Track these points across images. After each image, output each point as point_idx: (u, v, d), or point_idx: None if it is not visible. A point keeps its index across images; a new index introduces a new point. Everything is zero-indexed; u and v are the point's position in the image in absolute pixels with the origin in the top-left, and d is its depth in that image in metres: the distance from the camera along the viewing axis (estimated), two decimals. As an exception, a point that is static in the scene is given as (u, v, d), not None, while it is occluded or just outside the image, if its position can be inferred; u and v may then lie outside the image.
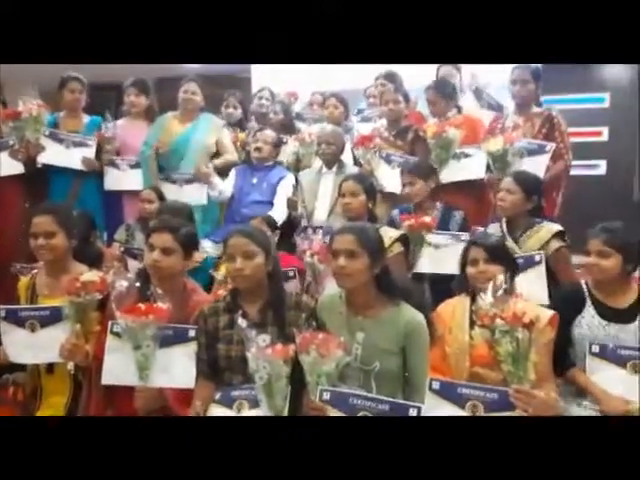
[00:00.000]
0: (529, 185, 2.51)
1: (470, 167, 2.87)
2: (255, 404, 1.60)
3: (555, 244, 2.42)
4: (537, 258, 2.31)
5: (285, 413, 1.55)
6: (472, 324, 1.95)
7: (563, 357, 1.97)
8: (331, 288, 1.93)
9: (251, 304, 1.82)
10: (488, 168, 2.83)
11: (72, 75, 3.24)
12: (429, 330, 1.78)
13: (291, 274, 2.40)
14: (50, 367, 1.97)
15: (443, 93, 3.10)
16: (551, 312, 1.87)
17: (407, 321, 1.72)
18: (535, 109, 3.04)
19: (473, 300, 1.99)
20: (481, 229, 2.58)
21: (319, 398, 1.55)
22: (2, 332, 1.90)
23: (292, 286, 2.37)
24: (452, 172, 2.87)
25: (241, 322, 1.57)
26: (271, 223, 2.71)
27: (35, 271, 2.11)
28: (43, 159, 3.02)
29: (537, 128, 2.97)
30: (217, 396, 1.71)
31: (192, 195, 3.02)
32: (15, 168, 2.97)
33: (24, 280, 2.11)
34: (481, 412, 1.58)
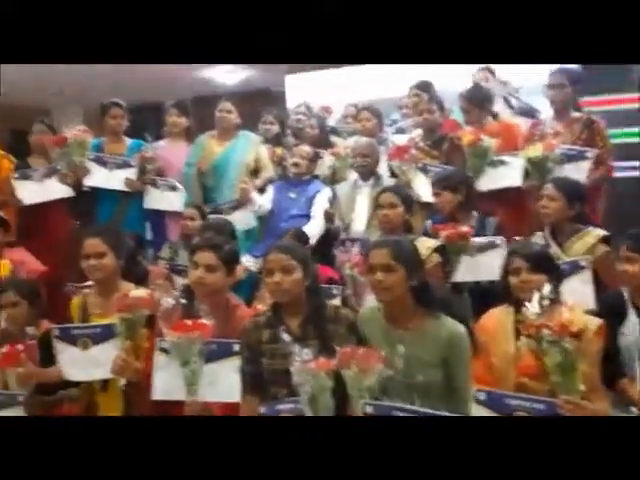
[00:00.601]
0: (571, 191, 2.47)
1: (507, 175, 2.84)
2: (300, 418, 1.63)
3: (601, 249, 2.37)
4: (583, 263, 2.27)
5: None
6: (517, 334, 1.93)
7: (612, 367, 1.92)
8: (371, 300, 1.94)
9: (292, 318, 1.85)
10: (527, 175, 2.80)
11: (112, 101, 3.37)
12: (470, 341, 1.77)
13: (335, 292, 2.40)
14: (104, 384, 2.04)
15: (476, 101, 3.08)
16: (599, 321, 1.83)
17: (448, 332, 1.72)
18: (574, 114, 2.99)
19: (517, 310, 1.97)
20: (519, 239, 2.55)
21: (362, 412, 1.56)
22: (56, 351, 1.97)
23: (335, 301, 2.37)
24: (489, 180, 2.85)
25: (285, 337, 1.61)
26: (300, 237, 2.73)
27: (87, 290, 2.21)
28: (88, 182, 3.14)
29: (577, 134, 2.92)
30: (262, 409, 1.75)
31: (240, 221, 3.06)
32: (65, 192, 3.11)
33: (76, 299, 2.20)
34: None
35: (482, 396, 1.63)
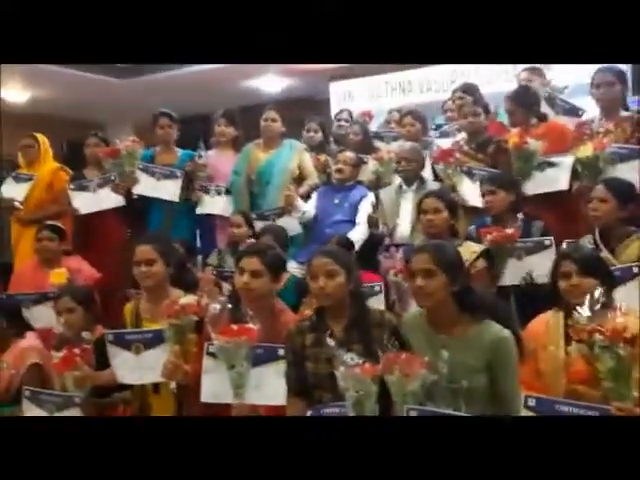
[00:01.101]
0: (623, 192, 2.39)
1: (554, 178, 2.77)
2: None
3: None
4: (636, 270, 2.18)
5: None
6: (568, 340, 1.89)
7: None
8: (415, 306, 1.94)
9: (336, 322, 1.87)
10: (578, 176, 2.72)
11: (162, 111, 3.47)
12: (517, 346, 1.74)
13: (377, 288, 2.41)
14: (156, 387, 2.11)
15: (521, 102, 3.02)
16: None
17: (493, 338, 1.69)
18: (623, 113, 2.89)
19: (567, 315, 1.93)
20: (568, 241, 2.48)
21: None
22: (110, 355, 2.05)
23: (378, 300, 2.38)
24: (535, 184, 2.78)
25: (329, 341, 1.63)
26: (344, 244, 2.73)
27: (139, 297, 2.29)
28: (137, 190, 3.24)
29: (629, 133, 2.81)
30: (308, 413, 1.77)
31: (285, 228, 3.07)
32: (117, 201, 3.22)
33: (129, 305, 2.29)
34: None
35: (532, 402, 1.59)
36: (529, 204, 2.75)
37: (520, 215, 2.65)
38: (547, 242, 2.41)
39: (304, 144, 3.59)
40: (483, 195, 2.67)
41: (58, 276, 2.75)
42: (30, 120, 6.00)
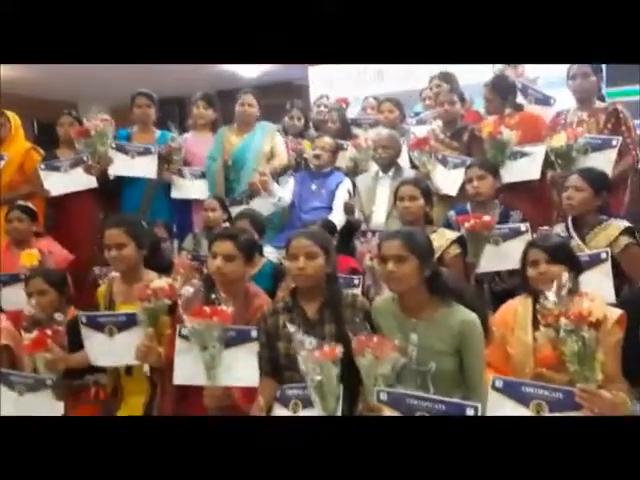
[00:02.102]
0: (597, 181, 2.43)
1: (526, 168, 2.81)
2: (309, 404, 1.67)
3: (624, 241, 2.34)
4: (603, 255, 2.24)
5: (338, 413, 1.61)
6: (536, 325, 1.94)
7: (635, 362, 1.90)
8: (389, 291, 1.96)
9: (310, 303, 1.89)
10: (552, 166, 2.77)
11: (140, 91, 3.41)
12: (485, 330, 1.78)
13: (356, 282, 2.42)
14: (129, 369, 2.11)
15: (500, 90, 3.06)
16: (619, 311, 1.82)
17: (460, 321, 1.73)
18: (598, 104, 2.94)
19: (536, 301, 1.97)
20: (545, 228, 2.52)
21: (376, 399, 1.59)
22: (84, 337, 2.04)
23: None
24: (509, 173, 2.82)
25: (290, 326, 1.64)
26: (329, 228, 2.76)
27: (112, 275, 2.26)
28: (112, 171, 3.18)
29: (602, 123, 2.87)
30: (278, 394, 1.79)
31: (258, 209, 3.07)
32: (90, 182, 3.16)
33: (102, 288, 2.27)
34: (545, 412, 1.58)
35: (499, 383, 1.64)
36: (506, 193, 2.78)
37: (498, 202, 2.69)
38: (523, 228, 2.44)
39: (277, 125, 3.55)
40: (471, 180, 2.66)
41: (29, 257, 2.70)
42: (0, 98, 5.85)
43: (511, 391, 1.62)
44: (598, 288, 2.06)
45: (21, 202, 3.10)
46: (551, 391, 1.58)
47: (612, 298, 2.13)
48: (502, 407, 1.61)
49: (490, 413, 1.59)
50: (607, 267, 2.23)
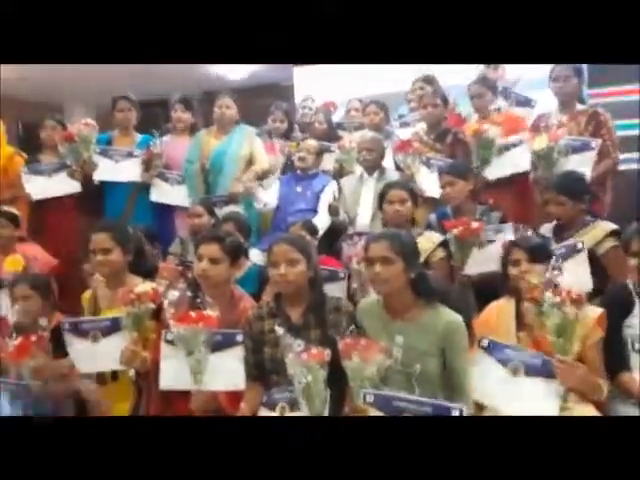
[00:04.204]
0: (575, 190, 2.44)
1: (515, 160, 2.81)
2: (296, 407, 1.67)
3: (609, 243, 2.37)
4: (579, 246, 2.27)
5: (325, 415, 1.61)
6: (519, 326, 1.97)
7: (615, 360, 1.93)
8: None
9: (294, 308, 1.90)
10: (533, 167, 2.80)
11: (121, 95, 3.39)
12: (470, 332, 1.80)
13: (342, 275, 2.43)
14: (114, 374, 2.10)
15: (489, 86, 3.09)
16: (599, 310, 1.87)
17: (445, 323, 1.75)
18: (579, 106, 2.99)
19: (518, 301, 2.00)
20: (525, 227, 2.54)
21: (363, 401, 1.60)
22: (68, 343, 2.03)
23: (341, 287, 2.41)
24: (496, 169, 2.82)
25: (278, 329, 1.65)
26: (310, 228, 2.76)
27: (97, 280, 2.25)
28: (97, 176, 3.17)
29: (583, 126, 2.92)
30: (264, 398, 1.80)
31: None
32: (73, 187, 3.14)
33: (87, 293, 2.27)
34: (521, 374, 1.76)
35: (485, 343, 1.82)
36: (489, 193, 2.80)
37: (478, 205, 2.69)
38: (505, 228, 2.44)
39: (257, 129, 3.55)
40: (443, 187, 2.68)
41: (13, 263, 2.69)
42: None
43: (495, 351, 1.80)
44: (575, 278, 2.11)
45: (4, 207, 3.07)
46: (531, 357, 1.76)
47: (589, 286, 2.17)
48: (483, 364, 1.80)
49: (475, 371, 1.78)
50: (583, 257, 2.26)
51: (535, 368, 1.75)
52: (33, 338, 2.01)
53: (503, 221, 2.62)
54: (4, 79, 5.97)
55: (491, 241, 2.46)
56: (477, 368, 1.81)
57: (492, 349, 1.81)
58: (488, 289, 2.38)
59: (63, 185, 3.14)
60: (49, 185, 3.14)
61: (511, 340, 1.93)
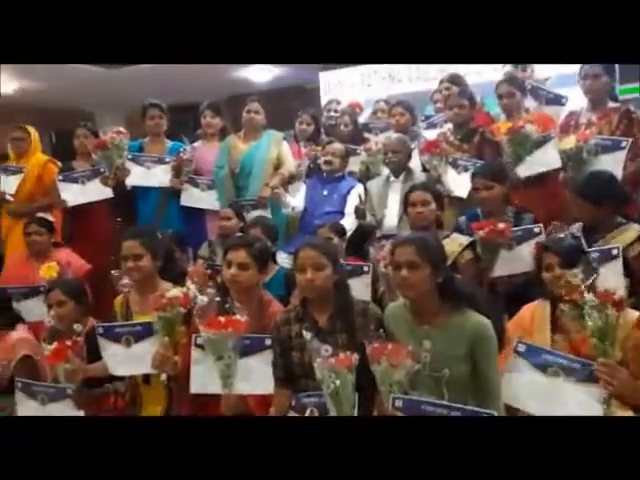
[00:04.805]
0: (598, 194, 2.35)
1: (545, 158, 2.75)
2: (325, 411, 1.68)
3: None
4: (614, 252, 2.21)
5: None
6: (554, 329, 1.95)
7: None
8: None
9: (321, 312, 1.91)
10: (563, 167, 2.74)
11: (152, 102, 3.45)
12: (500, 335, 1.78)
13: (365, 269, 2.41)
14: (146, 378, 2.14)
15: (517, 85, 3.05)
16: (637, 313, 1.83)
17: (473, 327, 1.73)
18: (611, 104, 2.92)
19: (553, 304, 1.98)
20: (555, 223, 2.49)
21: (391, 406, 1.60)
22: (102, 347, 2.08)
23: (364, 281, 2.39)
24: (528, 167, 2.76)
25: (306, 334, 1.66)
26: (338, 230, 2.77)
27: (126, 289, 2.31)
28: (129, 182, 3.25)
29: (615, 124, 2.84)
30: (293, 402, 1.81)
31: None
32: (105, 193, 3.22)
33: (119, 298, 2.31)
34: (560, 379, 1.72)
35: (522, 348, 1.78)
36: (519, 194, 2.74)
37: (510, 207, 2.63)
38: (537, 230, 2.40)
39: (283, 133, 3.57)
40: (477, 189, 2.61)
41: (49, 270, 2.76)
42: (18, 111, 5.97)
43: (531, 356, 1.76)
44: (609, 283, 2.04)
45: (40, 214, 3.18)
46: (570, 361, 1.69)
47: (623, 292, 2.10)
48: (521, 370, 1.76)
49: (507, 375, 1.75)
50: (618, 263, 2.19)
51: (574, 372, 1.70)
52: (68, 343, 2.06)
53: (535, 222, 2.58)
54: (35, 90, 6.17)
55: (521, 242, 2.42)
56: (511, 373, 1.78)
57: (528, 353, 1.77)
58: (518, 292, 2.37)
59: (96, 191, 3.22)
60: (83, 192, 3.22)
61: (546, 343, 1.90)
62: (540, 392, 1.75)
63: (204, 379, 1.88)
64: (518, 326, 2.02)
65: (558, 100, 3.20)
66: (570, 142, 2.65)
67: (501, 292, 2.49)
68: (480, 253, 2.43)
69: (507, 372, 1.78)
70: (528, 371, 1.76)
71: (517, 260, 2.41)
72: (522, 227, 2.48)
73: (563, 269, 1.94)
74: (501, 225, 2.40)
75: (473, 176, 2.67)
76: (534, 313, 2.02)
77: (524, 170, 2.77)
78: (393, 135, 3.20)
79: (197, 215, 3.44)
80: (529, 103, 3.13)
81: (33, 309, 2.73)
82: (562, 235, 2.21)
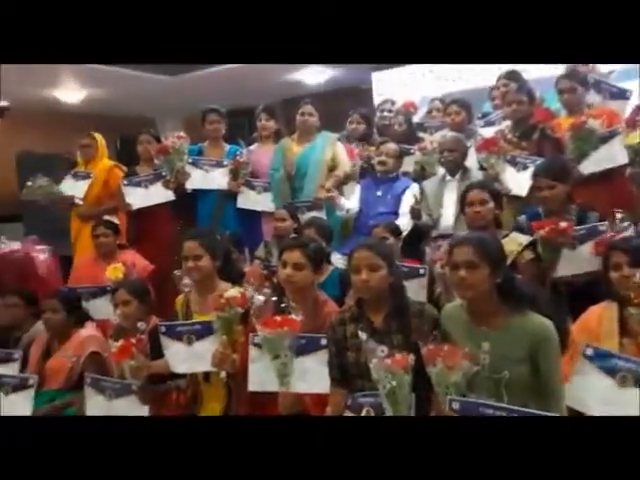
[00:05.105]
0: None
1: (610, 154, 2.66)
2: (381, 411, 1.68)
3: None
4: None
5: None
6: (623, 331, 1.88)
7: None
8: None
9: (376, 313, 1.90)
10: (630, 162, 2.63)
11: (211, 107, 3.55)
12: (564, 338, 1.73)
13: (422, 271, 2.41)
14: (207, 375, 2.20)
15: (579, 80, 2.94)
16: None
17: (535, 328, 1.68)
18: None
19: (621, 306, 1.90)
20: (620, 216, 2.39)
21: (448, 407, 1.58)
22: (164, 345, 2.15)
23: (420, 284, 2.39)
24: (592, 163, 2.67)
25: (361, 334, 1.66)
26: (393, 230, 2.75)
27: (187, 289, 2.38)
28: (190, 185, 3.36)
29: (684, 117, 2.70)
30: (349, 401, 1.82)
31: None
32: (167, 196, 3.33)
33: (180, 297, 2.39)
34: (630, 384, 1.65)
35: (590, 352, 1.73)
36: (583, 192, 2.64)
37: (573, 206, 2.54)
38: (602, 227, 2.32)
39: (338, 134, 3.60)
40: (539, 188, 2.54)
41: (115, 271, 2.88)
42: (86, 118, 6.28)
43: (600, 360, 1.71)
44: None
45: (106, 217, 3.33)
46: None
47: None
48: (586, 373, 1.72)
49: (574, 379, 1.71)
50: None
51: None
52: (133, 340, 2.15)
53: (601, 221, 2.48)
54: (100, 99, 6.47)
55: (585, 241, 2.34)
56: (578, 377, 1.73)
57: (596, 357, 1.72)
58: (583, 292, 2.29)
59: (159, 195, 3.34)
60: (146, 195, 3.35)
61: (614, 347, 1.84)
62: (608, 397, 1.69)
63: (262, 377, 1.92)
64: (584, 329, 1.95)
65: (622, 94, 3.06)
66: (637, 137, 2.54)
67: (564, 293, 2.41)
68: (541, 253, 2.36)
69: (574, 375, 1.74)
70: (596, 375, 1.71)
71: (581, 260, 2.33)
72: (586, 226, 2.39)
73: (632, 268, 1.87)
74: (563, 224, 2.33)
75: (534, 175, 2.60)
76: (601, 316, 1.95)
77: (588, 167, 2.68)
78: (448, 134, 3.16)
79: (253, 217, 3.51)
80: (592, 98, 3.01)
81: (100, 308, 2.87)
82: (630, 232, 2.13)
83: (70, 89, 6.20)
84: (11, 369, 2.49)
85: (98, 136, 3.81)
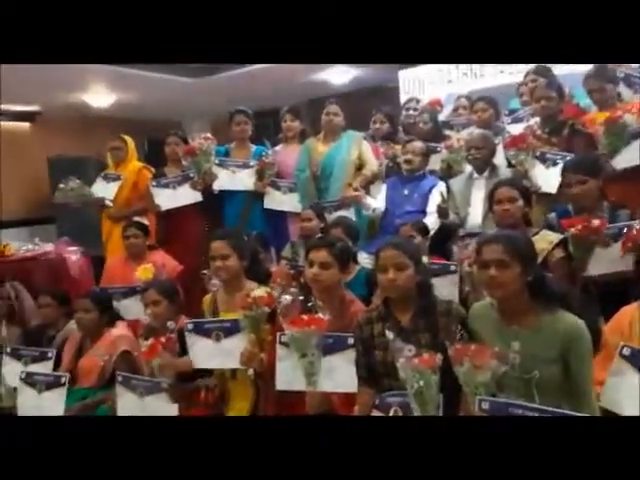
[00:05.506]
0: None
1: None
2: (409, 411, 1.67)
3: None
4: None
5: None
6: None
7: None
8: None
9: (403, 312, 1.90)
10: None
11: (238, 108, 3.58)
12: (596, 338, 1.70)
13: (452, 268, 2.38)
14: (234, 373, 2.23)
15: (607, 78, 2.88)
16: None
17: (566, 328, 1.65)
18: None
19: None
20: None
21: (477, 408, 1.56)
22: (189, 343, 2.18)
23: (452, 280, 2.36)
24: (626, 159, 2.59)
25: (388, 333, 1.66)
26: (421, 229, 2.73)
27: (215, 289, 2.41)
28: (217, 186, 3.39)
29: None
30: (377, 401, 1.82)
31: None
32: (195, 197, 3.37)
33: (207, 297, 2.42)
34: None
35: (627, 352, 1.71)
36: (614, 188, 2.56)
37: (605, 203, 2.48)
38: (638, 226, 2.23)
39: (363, 133, 3.59)
40: (569, 185, 2.47)
41: (145, 272, 2.93)
42: (114, 122, 6.40)
43: (636, 360, 1.68)
44: None
45: (136, 218, 3.39)
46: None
47: None
48: (626, 375, 1.69)
49: (611, 380, 1.70)
50: None
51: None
52: (162, 339, 2.19)
53: (633, 219, 2.42)
54: (129, 103, 6.58)
55: (618, 240, 2.28)
56: (615, 378, 1.70)
57: (633, 357, 1.69)
58: (615, 292, 2.24)
59: (187, 196, 3.38)
60: (174, 196, 3.39)
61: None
62: None
63: (289, 376, 1.93)
64: (615, 330, 1.91)
65: None
66: (669, 131, 2.46)
67: (595, 292, 2.35)
68: (572, 251, 2.31)
69: (610, 376, 1.71)
70: (632, 376, 1.68)
71: (614, 258, 2.26)
72: (619, 224, 2.34)
73: None
74: (595, 221, 2.26)
75: (564, 171, 2.54)
76: (633, 316, 1.90)
77: (621, 162, 2.61)
78: (476, 131, 3.12)
79: (279, 217, 3.53)
80: (623, 91, 2.94)
81: (131, 308, 2.92)
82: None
83: (99, 93, 6.33)
84: (45, 367, 2.55)
85: (128, 139, 3.88)
